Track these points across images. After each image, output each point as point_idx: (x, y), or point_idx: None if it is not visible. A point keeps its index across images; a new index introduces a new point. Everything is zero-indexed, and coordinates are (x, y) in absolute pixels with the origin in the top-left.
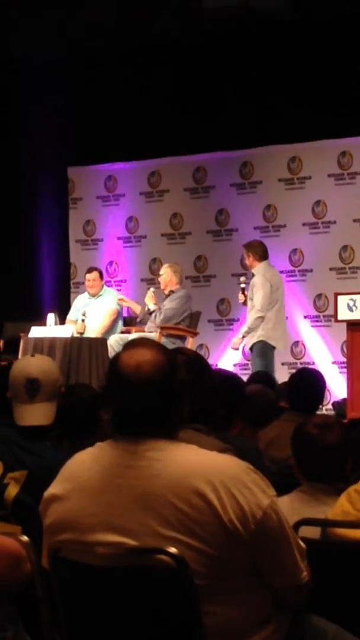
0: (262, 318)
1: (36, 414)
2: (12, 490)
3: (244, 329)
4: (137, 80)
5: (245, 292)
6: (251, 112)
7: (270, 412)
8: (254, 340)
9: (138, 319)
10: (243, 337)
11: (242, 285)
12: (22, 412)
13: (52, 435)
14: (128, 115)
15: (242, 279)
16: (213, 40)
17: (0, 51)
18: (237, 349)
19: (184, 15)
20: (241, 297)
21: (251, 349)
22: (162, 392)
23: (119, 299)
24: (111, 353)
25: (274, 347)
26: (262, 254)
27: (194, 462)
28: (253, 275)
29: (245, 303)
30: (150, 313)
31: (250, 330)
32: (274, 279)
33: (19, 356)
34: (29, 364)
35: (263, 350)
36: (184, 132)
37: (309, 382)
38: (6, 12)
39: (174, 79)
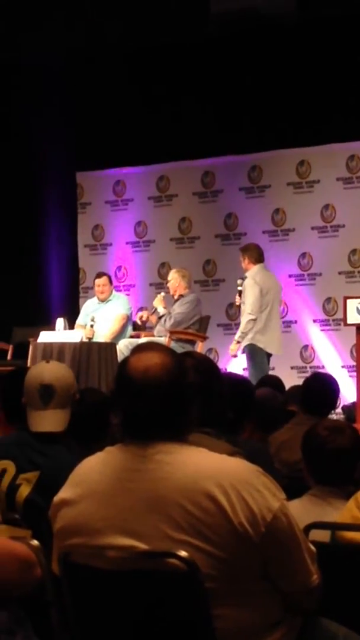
0: (253, 321)
1: (49, 421)
2: (24, 491)
3: (238, 334)
4: (145, 85)
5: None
6: (259, 116)
7: (279, 416)
8: (245, 343)
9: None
10: (238, 342)
11: (239, 288)
12: (36, 418)
13: (65, 441)
14: (136, 120)
15: (239, 281)
16: (220, 44)
17: (8, 57)
18: (235, 355)
19: (191, 19)
20: (237, 300)
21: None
22: (170, 395)
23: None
24: (120, 357)
25: (264, 350)
26: (258, 257)
27: (204, 465)
28: (246, 278)
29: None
30: (160, 317)
31: (243, 335)
32: (266, 283)
33: (28, 361)
34: (44, 370)
35: (252, 354)
36: (192, 137)
37: (323, 385)
38: (14, 17)
39: (181, 83)
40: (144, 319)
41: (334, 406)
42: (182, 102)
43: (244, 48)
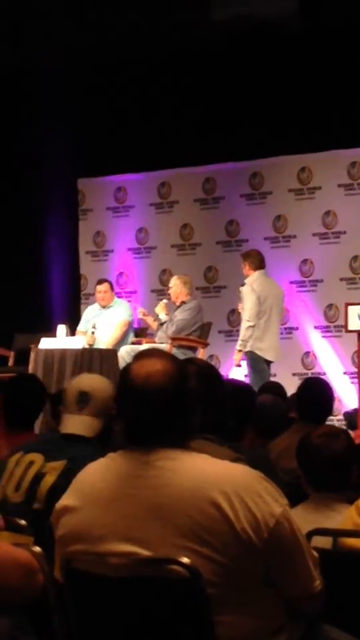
0: (252, 327)
1: (80, 424)
2: (49, 480)
3: (238, 342)
4: (146, 91)
5: None
6: (261, 123)
7: (280, 423)
8: (245, 350)
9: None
10: (240, 350)
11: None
12: (68, 420)
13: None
14: (137, 127)
15: (241, 288)
16: (221, 51)
17: (9, 63)
18: (239, 365)
19: (193, 25)
20: (239, 307)
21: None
22: (172, 401)
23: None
24: (122, 364)
25: (263, 358)
26: (258, 264)
27: (207, 472)
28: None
29: None
30: (162, 324)
31: (244, 342)
32: (263, 290)
33: (30, 368)
34: (84, 379)
35: (252, 361)
36: (194, 143)
37: (315, 391)
38: (16, 22)
39: (182, 89)
40: (143, 314)
41: (330, 410)
42: (183, 109)
43: (245, 54)
